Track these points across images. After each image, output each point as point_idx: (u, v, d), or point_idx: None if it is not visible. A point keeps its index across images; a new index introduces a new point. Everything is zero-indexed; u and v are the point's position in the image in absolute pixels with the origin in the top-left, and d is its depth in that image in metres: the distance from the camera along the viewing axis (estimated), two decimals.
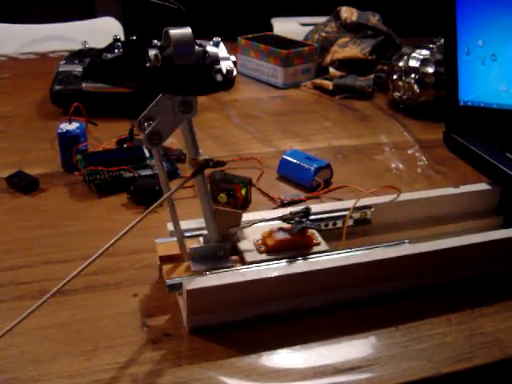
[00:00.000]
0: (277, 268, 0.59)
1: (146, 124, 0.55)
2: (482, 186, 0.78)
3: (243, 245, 0.64)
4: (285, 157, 0.88)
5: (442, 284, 0.65)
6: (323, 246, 0.64)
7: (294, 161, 0.87)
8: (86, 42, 1.19)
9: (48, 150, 0.94)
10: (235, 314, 0.58)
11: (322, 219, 0.69)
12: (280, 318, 0.59)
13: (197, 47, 0.52)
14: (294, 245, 0.63)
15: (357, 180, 0.87)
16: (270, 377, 0.53)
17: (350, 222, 0.70)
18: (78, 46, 1.22)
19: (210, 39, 0.57)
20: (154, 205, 0.55)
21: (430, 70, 1.11)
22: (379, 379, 0.53)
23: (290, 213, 0.65)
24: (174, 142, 0.94)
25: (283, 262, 0.62)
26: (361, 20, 1.37)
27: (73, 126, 0.86)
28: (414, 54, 1.14)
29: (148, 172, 0.84)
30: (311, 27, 1.48)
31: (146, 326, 0.58)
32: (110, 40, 1.13)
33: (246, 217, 0.66)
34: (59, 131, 0.85)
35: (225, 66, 0.53)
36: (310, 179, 0.84)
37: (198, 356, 0.55)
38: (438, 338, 0.58)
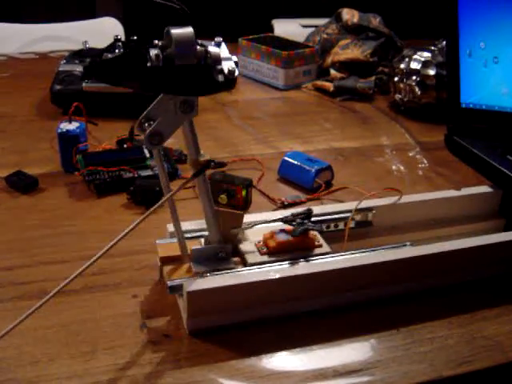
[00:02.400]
0: (277, 270, 0.59)
1: (146, 124, 0.55)
2: (484, 189, 0.78)
3: (244, 246, 0.63)
4: (285, 158, 0.88)
5: (443, 287, 0.65)
6: (325, 247, 0.64)
7: (295, 162, 0.86)
8: (86, 42, 1.19)
9: (48, 149, 0.94)
10: (235, 315, 0.58)
11: (323, 221, 0.69)
12: (281, 321, 0.59)
13: (198, 47, 0.52)
14: (295, 246, 0.63)
15: (357, 182, 0.87)
16: (271, 379, 0.53)
17: (351, 224, 0.69)
18: (78, 46, 1.22)
19: (212, 39, 0.57)
20: (156, 205, 0.55)
21: (432, 72, 1.11)
22: (380, 382, 0.53)
23: (292, 214, 0.64)
24: (173, 142, 0.93)
25: (285, 264, 0.61)
26: (362, 22, 1.36)
27: (73, 125, 0.86)
28: (415, 56, 1.14)
29: (148, 172, 0.84)
30: (312, 29, 1.48)
31: (145, 328, 0.57)
32: (110, 40, 1.12)
33: (247, 218, 0.66)
34: (59, 131, 0.85)
35: (226, 66, 0.52)
36: (310, 181, 0.84)
37: (197, 358, 0.54)
38: (439, 341, 0.58)
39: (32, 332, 0.56)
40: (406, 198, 0.73)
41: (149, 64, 0.50)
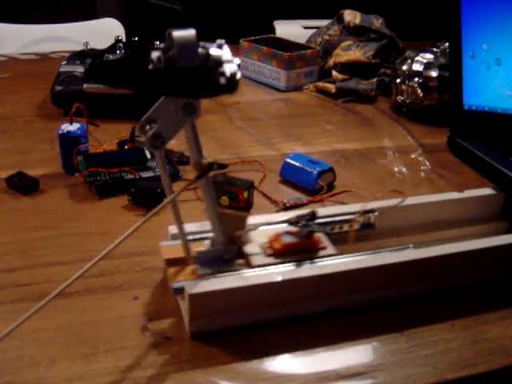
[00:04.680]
0: (280, 273, 0.59)
1: (148, 127, 0.55)
2: (486, 191, 0.77)
3: (249, 248, 0.63)
4: (287, 160, 0.87)
5: (446, 289, 0.65)
6: (330, 249, 0.64)
7: (297, 164, 0.86)
8: (87, 42, 1.19)
9: (48, 150, 0.94)
10: (237, 318, 0.58)
11: (328, 223, 0.68)
12: (283, 323, 0.59)
13: (200, 49, 0.51)
14: (301, 248, 0.63)
15: (360, 184, 0.87)
16: (273, 382, 0.52)
17: (352, 227, 0.69)
18: (79, 47, 1.21)
19: (214, 41, 0.56)
20: (159, 207, 0.55)
21: (434, 73, 1.10)
22: None
23: (297, 216, 0.64)
24: (175, 143, 0.93)
25: (290, 266, 0.61)
26: (364, 23, 1.36)
27: (74, 126, 0.85)
28: (417, 58, 1.13)
29: (149, 174, 0.84)
30: (314, 30, 1.48)
31: (146, 330, 0.57)
32: (111, 41, 1.12)
33: (251, 220, 0.65)
34: (60, 132, 0.85)
35: (228, 68, 0.52)
36: (312, 182, 0.84)
37: (199, 361, 0.54)
38: (443, 344, 0.58)
39: (32, 334, 0.55)
40: (408, 200, 0.73)
41: (150, 66, 0.50)
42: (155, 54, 0.50)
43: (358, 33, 1.36)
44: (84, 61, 1.13)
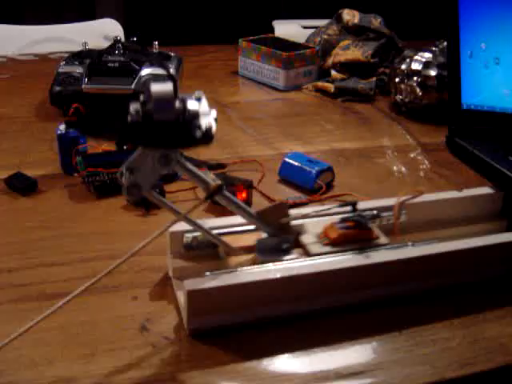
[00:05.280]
0: (278, 270, 0.59)
1: (128, 174, 0.55)
2: (485, 190, 0.77)
3: (305, 238, 0.65)
4: (286, 159, 0.87)
5: (445, 288, 0.65)
6: (383, 239, 0.65)
7: (296, 163, 0.86)
8: (86, 43, 1.19)
9: (47, 151, 0.94)
10: (236, 316, 0.58)
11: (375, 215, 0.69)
12: (282, 322, 0.59)
13: (177, 103, 0.53)
14: (356, 238, 0.64)
15: (359, 183, 0.87)
16: (272, 382, 0.52)
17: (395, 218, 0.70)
18: (78, 48, 1.21)
19: (193, 92, 0.57)
20: (173, 221, 0.55)
21: (433, 72, 1.10)
22: None
23: (340, 205, 0.66)
24: None
25: (348, 255, 0.63)
26: (363, 23, 1.36)
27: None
28: (416, 57, 1.13)
29: None
30: (313, 30, 1.48)
31: (145, 330, 0.57)
32: (110, 41, 1.12)
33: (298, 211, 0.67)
34: (59, 132, 0.85)
35: (204, 123, 0.54)
36: (311, 182, 0.84)
37: (198, 360, 0.54)
38: (442, 342, 0.58)
39: (31, 334, 0.55)
40: (406, 200, 0.72)
41: (129, 119, 0.52)
42: (133, 107, 0.52)
43: (357, 32, 1.36)
44: (83, 61, 1.12)
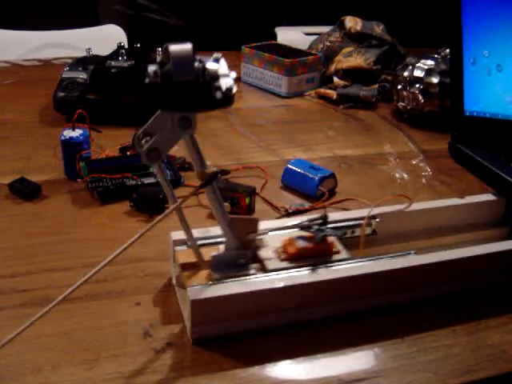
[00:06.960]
0: (281, 279, 0.59)
1: (144, 140, 0.55)
2: (487, 197, 0.77)
3: (263, 253, 0.63)
4: (289, 166, 0.87)
5: (447, 295, 0.65)
6: (344, 254, 0.64)
7: (299, 170, 0.86)
8: (89, 49, 1.19)
9: (51, 156, 0.94)
10: (239, 324, 0.58)
11: (339, 228, 0.68)
12: (284, 329, 0.59)
13: (197, 63, 0.51)
14: (315, 252, 0.63)
15: (361, 190, 0.87)
16: None
17: (362, 232, 0.69)
18: (81, 53, 1.22)
19: (212, 54, 0.56)
20: (163, 214, 0.55)
21: (435, 80, 1.11)
22: None
23: (308, 220, 0.64)
24: (177, 150, 0.93)
25: (305, 270, 0.61)
26: (365, 30, 1.37)
27: (76, 132, 0.86)
28: (418, 64, 1.14)
29: (151, 180, 0.84)
30: (315, 36, 1.48)
31: (148, 335, 0.57)
32: (113, 47, 1.13)
33: (262, 225, 0.65)
34: (62, 138, 0.85)
35: (224, 83, 0.52)
36: (314, 188, 0.84)
37: (201, 366, 0.54)
38: (444, 349, 0.58)
39: (35, 340, 0.56)
40: (409, 207, 0.73)
41: (147, 80, 0.50)
42: (151, 68, 0.50)
43: (360, 39, 1.37)
44: (86, 67, 1.13)
